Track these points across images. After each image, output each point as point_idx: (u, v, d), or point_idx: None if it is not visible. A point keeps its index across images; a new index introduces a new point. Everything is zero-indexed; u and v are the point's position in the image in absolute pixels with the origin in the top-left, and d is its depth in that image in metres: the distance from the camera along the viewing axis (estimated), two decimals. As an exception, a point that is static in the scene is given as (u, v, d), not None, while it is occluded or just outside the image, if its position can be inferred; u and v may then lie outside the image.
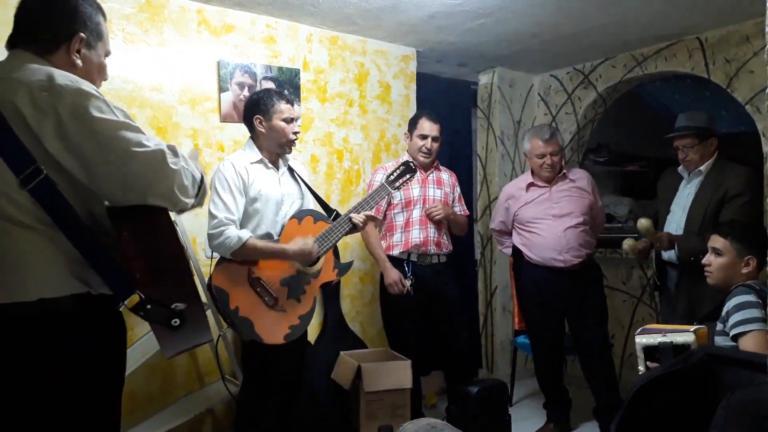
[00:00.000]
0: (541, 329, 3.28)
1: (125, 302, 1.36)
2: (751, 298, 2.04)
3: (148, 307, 1.37)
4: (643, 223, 2.82)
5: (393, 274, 3.08)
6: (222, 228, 2.27)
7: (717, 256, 2.28)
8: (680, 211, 2.92)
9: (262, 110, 2.45)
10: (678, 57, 3.66)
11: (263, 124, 2.46)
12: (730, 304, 2.07)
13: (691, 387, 1.57)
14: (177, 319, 1.39)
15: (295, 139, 2.52)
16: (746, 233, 2.26)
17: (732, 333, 2.01)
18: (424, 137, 3.19)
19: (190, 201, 1.49)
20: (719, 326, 2.11)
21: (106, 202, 1.45)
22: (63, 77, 1.35)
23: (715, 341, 2.09)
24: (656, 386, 1.58)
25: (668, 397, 1.59)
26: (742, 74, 3.35)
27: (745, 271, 2.21)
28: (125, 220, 1.40)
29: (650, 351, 1.95)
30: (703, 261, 2.32)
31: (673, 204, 3.00)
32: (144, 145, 1.37)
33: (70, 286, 1.36)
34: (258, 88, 3.10)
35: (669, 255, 2.91)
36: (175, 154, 1.43)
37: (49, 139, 1.31)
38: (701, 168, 2.86)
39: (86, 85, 1.37)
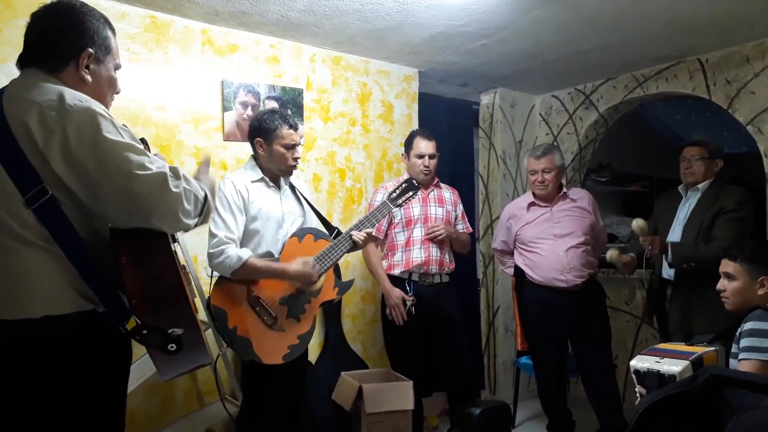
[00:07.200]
0: (543, 350, 3.25)
1: (123, 325, 1.35)
2: (767, 326, 1.96)
3: (145, 332, 1.36)
4: (639, 223, 2.84)
5: (394, 296, 3.06)
6: (222, 247, 2.26)
7: (730, 281, 2.21)
8: (678, 227, 2.98)
9: (264, 134, 2.45)
10: (679, 78, 3.68)
11: (263, 147, 2.46)
12: (744, 327, 2.02)
13: (697, 409, 1.55)
14: (173, 345, 1.37)
15: (295, 165, 2.51)
16: (756, 254, 2.20)
17: (739, 357, 1.99)
18: (421, 156, 3.19)
19: (193, 222, 1.46)
20: (734, 348, 2.06)
21: (110, 224, 1.44)
22: (72, 97, 1.35)
23: (730, 363, 2.05)
24: (662, 408, 1.56)
25: (674, 419, 1.57)
26: (743, 95, 3.37)
27: (761, 292, 2.13)
28: (125, 243, 1.39)
29: (640, 375, 1.93)
30: (718, 287, 2.26)
31: (673, 222, 3.04)
32: (146, 168, 1.35)
33: (75, 304, 1.36)
34: (261, 108, 3.12)
35: (668, 273, 2.94)
36: (177, 176, 1.41)
37: (55, 158, 1.31)
38: (699, 186, 2.95)
39: (95, 105, 1.36)
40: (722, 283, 2.25)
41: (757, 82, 3.30)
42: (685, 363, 1.86)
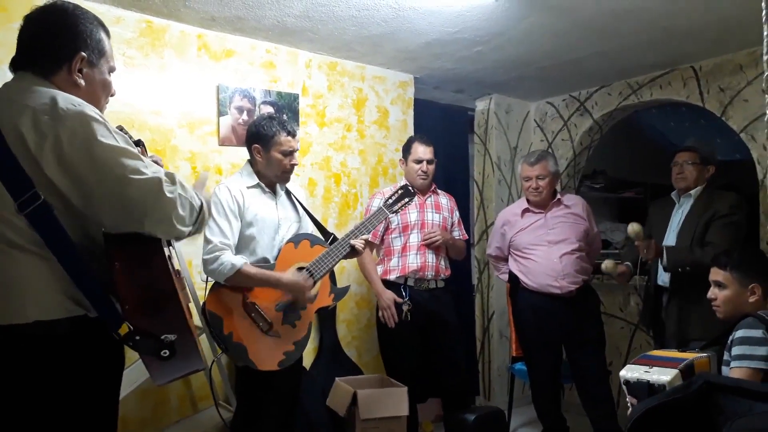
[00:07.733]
0: (538, 356, 3.25)
1: (116, 331, 1.34)
2: (758, 334, 1.95)
3: (137, 338, 1.35)
4: (634, 227, 2.83)
5: (385, 298, 3.06)
6: (217, 253, 2.25)
7: (720, 290, 2.20)
8: (672, 233, 2.99)
9: (262, 140, 2.45)
10: (673, 85, 3.70)
11: (261, 153, 2.46)
12: (736, 335, 2.01)
13: (691, 416, 1.55)
14: (167, 351, 1.36)
15: (292, 171, 2.51)
16: (745, 261, 2.20)
17: (731, 365, 1.99)
18: (419, 161, 3.20)
19: (187, 229, 1.45)
20: (726, 355, 2.05)
21: (103, 229, 1.43)
22: (65, 101, 1.33)
23: (722, 371, 2.05)
24: (655, 415, 1.56)
25: (667, 426, 1.57)
26: (737, 103, 3.39)
27: (752, 300, 2.13)
28: (119, 248, 1.38)
29: (630, 386, 1.91)
30: (708, 295, 2.25)
31: (667, 228, 3.05)
32: (141, 173, 1.34)
33: (65, 309, 1.35)
34: (257, 113, 3.12)
35: (664, 280, 2.95)
36: (173, 182, 1.40)
37: (48, 163, 1.30)
38: (691, 192, 2.97)
39: (89, 109, 1.35)
40: (713, 292, 2.24)
41: (750, 89, 3.32)
42: (675, 372, 1.85)
